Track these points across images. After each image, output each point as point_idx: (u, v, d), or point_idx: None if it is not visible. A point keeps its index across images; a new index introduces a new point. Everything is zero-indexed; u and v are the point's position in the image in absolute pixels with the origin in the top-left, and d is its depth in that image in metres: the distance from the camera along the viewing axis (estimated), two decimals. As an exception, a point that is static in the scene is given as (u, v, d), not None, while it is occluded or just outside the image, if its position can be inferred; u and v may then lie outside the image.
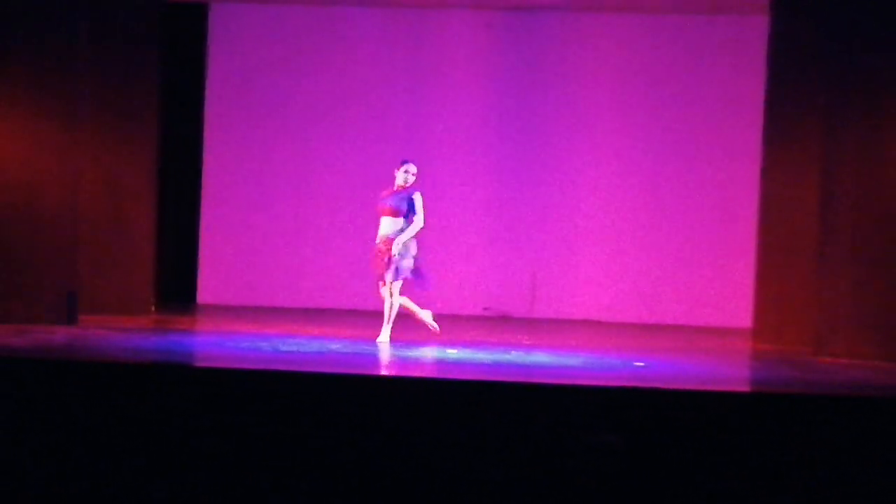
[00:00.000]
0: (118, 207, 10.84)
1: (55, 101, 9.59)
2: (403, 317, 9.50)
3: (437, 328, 9.69)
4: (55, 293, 9.56)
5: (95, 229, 10.45)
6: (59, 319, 9.40)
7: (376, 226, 9.35)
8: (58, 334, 8.77)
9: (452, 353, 8.79)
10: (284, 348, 8.61)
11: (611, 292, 12.56)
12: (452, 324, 11.33)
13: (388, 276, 9.19)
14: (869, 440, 6.43)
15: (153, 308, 11.17)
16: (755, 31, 11.71)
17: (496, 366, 8.20)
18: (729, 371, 8.91)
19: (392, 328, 9.28)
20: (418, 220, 9.24)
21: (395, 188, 9.37)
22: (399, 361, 8.41)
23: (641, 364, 8.52)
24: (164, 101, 11.63)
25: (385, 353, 8.77)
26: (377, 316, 9.95)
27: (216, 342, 9.32)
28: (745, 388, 8.26)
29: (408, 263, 9.23)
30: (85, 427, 6.34)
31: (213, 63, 12.76)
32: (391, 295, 9.23)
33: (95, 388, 6.58)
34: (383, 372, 7.99)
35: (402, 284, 9.27)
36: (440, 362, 8.36)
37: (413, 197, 9.26)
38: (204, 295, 12.69)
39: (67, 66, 9.62)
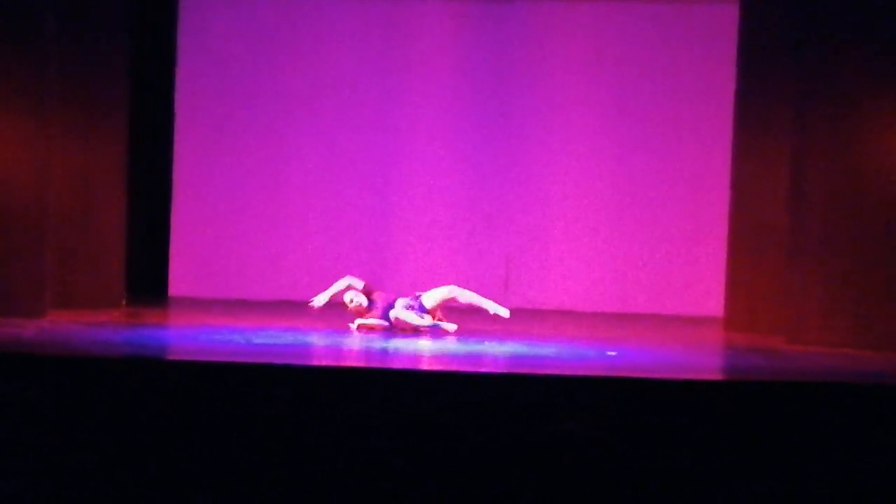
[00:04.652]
0: (88, 200, 10.72)
1: (23, 92, 9.48)
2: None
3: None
4: (24, 287, 9.48)
5: (65, 222, 10.33)
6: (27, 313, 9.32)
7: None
8: (27, 328, 8.70)
9: (426, 343, 8.78)
10: (258, 341, 8.58)
11: (584, 282, 12.57)
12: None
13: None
14: (841, 427, 6.47)
15: (124, 301, 11.10)
16: (726, 21, 11.72)
17: (470, 356, 8.19)
18: (701, 360, 8.95)
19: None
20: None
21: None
22: (373, 353, 8.40)
23: (614, 353, 8.54)
24: (135, 93, 11.54)
25: (357, 344, 8.76)
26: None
27: (189, 335, 9.27)
28: (717, 376, 8.31)
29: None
30: (55, 422, 6.30)
31: (184, 54, 12.67)
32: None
33: (65, 382, 6.54)
34: (356, 364, 7.98)
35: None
36: (414, 354, 8.36)
37: None
38: (176, 288, 12.61)
39: (35, 57, 9.51)
